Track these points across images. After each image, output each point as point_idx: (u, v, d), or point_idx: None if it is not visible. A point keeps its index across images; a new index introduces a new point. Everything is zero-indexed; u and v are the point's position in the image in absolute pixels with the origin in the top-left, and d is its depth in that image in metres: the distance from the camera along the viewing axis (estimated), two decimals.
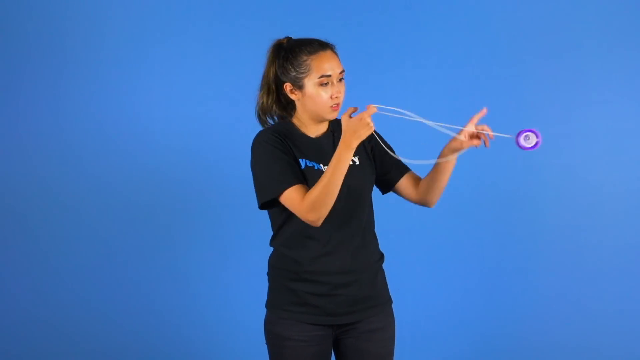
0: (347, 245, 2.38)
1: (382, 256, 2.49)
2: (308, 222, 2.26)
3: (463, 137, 2.32)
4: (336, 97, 2.32)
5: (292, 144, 2.37)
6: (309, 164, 2.36)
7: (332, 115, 2.36)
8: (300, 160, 2.36)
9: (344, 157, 2.20)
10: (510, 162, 3.83)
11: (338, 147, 2.20)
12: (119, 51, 3.86)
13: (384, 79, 3.83)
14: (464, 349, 3.85)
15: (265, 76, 2.41)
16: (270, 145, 2.33)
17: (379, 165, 2.48)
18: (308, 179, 2.33)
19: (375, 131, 2.39)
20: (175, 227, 3.91)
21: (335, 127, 2.44)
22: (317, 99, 2.33)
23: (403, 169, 2.50)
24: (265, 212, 2.43)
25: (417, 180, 2.49)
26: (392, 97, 3.77)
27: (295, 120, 2.43)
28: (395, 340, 2.52)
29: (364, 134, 2.18)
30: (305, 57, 2.32)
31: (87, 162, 3.89)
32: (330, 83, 2.32)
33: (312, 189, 2.24)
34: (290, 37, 2.41)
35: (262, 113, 2.44)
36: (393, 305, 2.52)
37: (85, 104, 3.88)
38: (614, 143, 3.82)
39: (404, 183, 2.49)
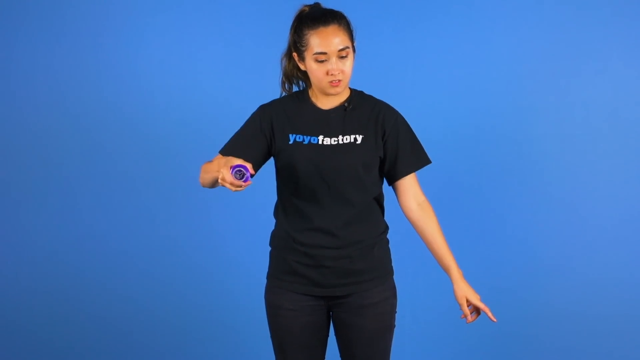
0: (337, 220, 2.38)
1: (385, 230, 2.49)
2: None
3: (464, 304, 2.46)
4: (332, 75, 2.31)
5: (287, 118, 2.39)
6: (299, 138, 2.37)
7: (333, 91, 2.35)
8: (289, 135, 2.38)
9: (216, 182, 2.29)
10: (511, 133, 3.82)
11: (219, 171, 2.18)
12: (119, 18, 3.85)
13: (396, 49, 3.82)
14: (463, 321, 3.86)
15: (289, 41, 2.40)
16: (252, 116, 2.44)
17: (389, 155, 2.43)
18: (294, 153, 2.36)
19: (398, 125, 2.41)
20: (179, 197, 3.91)
21: (353, 102, 2.42)
22: (314, 73, 2.33)
23: (407, 170, 2.44)
24: (272, 183, 2.48)
25: (417, 189, 2.48)
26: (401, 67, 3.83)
27: (311, 91, 2.44)
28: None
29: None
30: (306, 31, 2.31)
31: (87, 130, 3.90)
32: (327, 60, 2.30)
33: (204, 166, 2.36)
34: (317, 4, 2.39)
35: (285, 77, 2.45)
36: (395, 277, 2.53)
37: (84, 71, 3.88)
38: (615, 111, 3.80)
39: (404, 184, 2.46)
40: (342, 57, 2.31)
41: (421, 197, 2.47)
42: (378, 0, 3.80)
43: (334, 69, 2.30)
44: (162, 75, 3.86)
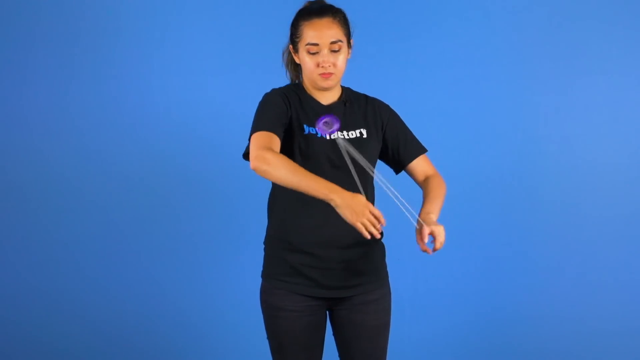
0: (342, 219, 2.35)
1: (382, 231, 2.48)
2: (252, 167, 2.21)
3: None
4: (322, 67, 2.31)
5: (300, 107, 2.38)
6: (312, 130, 2.36)
7: (324, 84, 2.35)
8: (304, 126, 2.36)
9: (318, 193, 2.15)
10: (510, 133, 3.81)
11: (327, 187, 2.14)
12: (119, 20, 3.85)
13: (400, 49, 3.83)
14: (463, 319, 3.88)
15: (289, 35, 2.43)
16: (272, 94, 2.36)
17: (391, 143, 2.46)
18: (308, 145, 2.33)
19: (392, 115, 2.44)
20: (179, 198, 3.91)
21: (349, 98, 2.43)
22: (306, 65, 2.35)
23: (415, 152, 2.49)
24: (264, 183, 2.42)
25: (427, 166, 2.50)
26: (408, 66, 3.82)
27: (304, 85, 2.43)
28: (395, 312, 2.51)
29: (348, 214, 2.12)
30: (301, 23, 2.34)
31: (86, 129, 3.88)
32: (319, 52, 2.30)
33: (283, 158, 2.19)
34: (321, 1, 2.39)
35: (287, 69, 2.47)
36: (392, 277, 2.51)
37: (84, 72, 3.87)
38: (614, 113, 3.80)
39: (414, 166, 2.50)
40: (334, 51, 2.32)
41: (430, 172, 2.50)
42: (379, 0, 3.80)
43: (324, 61, 2.31)
44: (162, 76, 3.86)
